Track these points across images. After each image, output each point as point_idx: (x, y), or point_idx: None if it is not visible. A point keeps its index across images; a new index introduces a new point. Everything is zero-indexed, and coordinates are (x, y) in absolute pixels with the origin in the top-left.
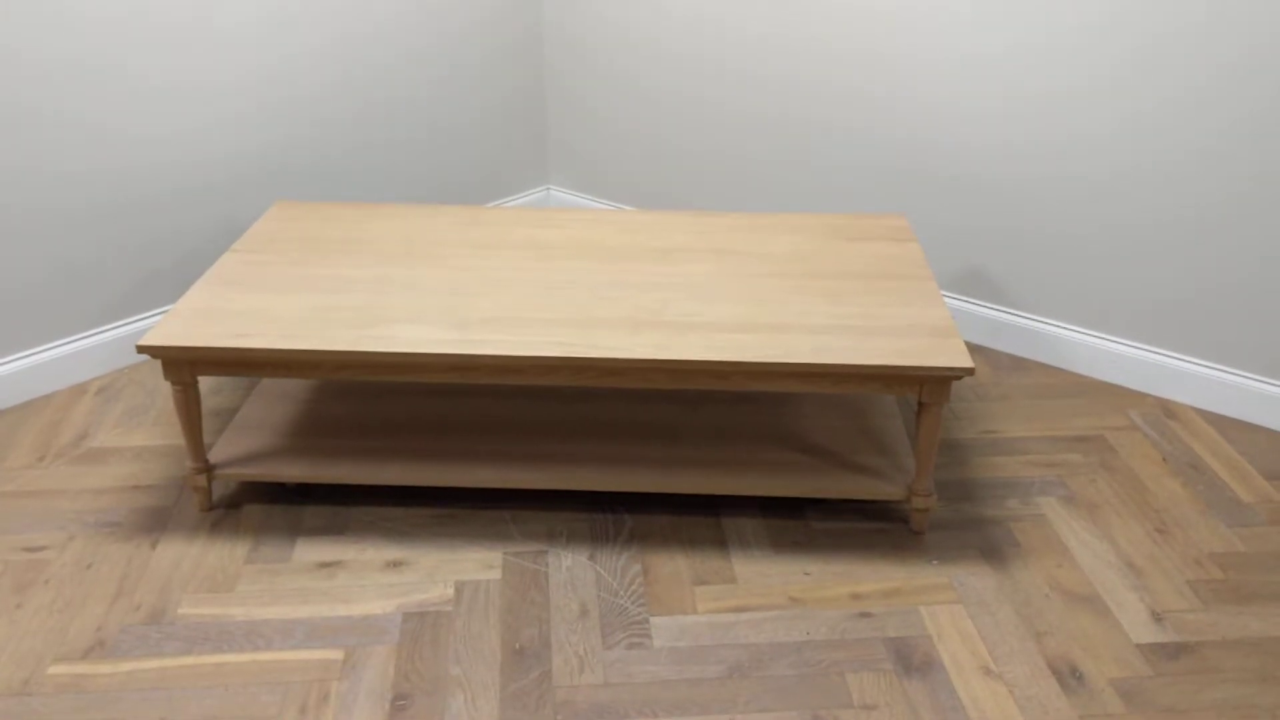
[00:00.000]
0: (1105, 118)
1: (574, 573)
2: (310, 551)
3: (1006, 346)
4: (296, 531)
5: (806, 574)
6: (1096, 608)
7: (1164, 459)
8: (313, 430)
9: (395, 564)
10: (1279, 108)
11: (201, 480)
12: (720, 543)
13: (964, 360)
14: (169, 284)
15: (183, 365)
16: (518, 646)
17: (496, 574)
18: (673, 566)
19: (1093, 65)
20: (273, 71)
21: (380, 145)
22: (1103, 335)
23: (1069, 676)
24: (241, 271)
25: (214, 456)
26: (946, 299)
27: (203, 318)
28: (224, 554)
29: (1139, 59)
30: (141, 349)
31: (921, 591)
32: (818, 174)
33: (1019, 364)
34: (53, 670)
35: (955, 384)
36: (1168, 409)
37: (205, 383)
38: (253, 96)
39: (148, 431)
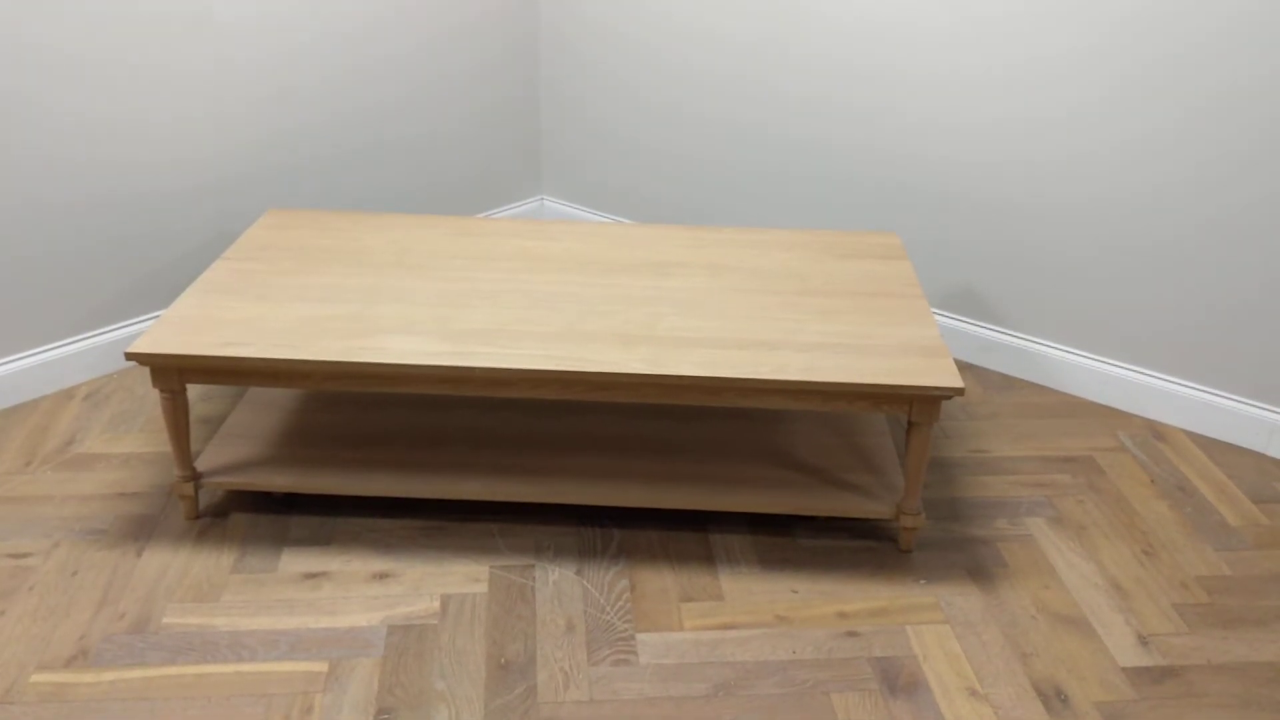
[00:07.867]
0: (1100, 141)
1: (561, 587)
2: (296, 562)
3: (997, 365)
4: (283, 542)
5: (794, 592)
6: (1082, 630)
7: (1152, 481)
8: (301, 440)
9: (381, 576)
10: (1270, 135)
11: (188, 489)
12: (708, 559)
13: (954, 380)
14: (159, 290)
15: (171, 373)
16: (503, 661)
17: (483, 588)
18: (660, 582)
19: (1087, 89)
20: (266, 77)
21: (374, 152)
22: (1093, 356)
23: (1054, 699)
24: (232, 279)
25: (201, 465)
26: (938, 317)
27: (192, 325)
28: (209, 563)
29: (1132, 84)
30: (130, 356)
31: (908, 611)
32: (812, 189)
33: (1009, 383)
34: (35, 679)
35: (945, 402)
36: (1156, 430)
37: (194, 390)
38: (246, 102)
39: (135, 438)
